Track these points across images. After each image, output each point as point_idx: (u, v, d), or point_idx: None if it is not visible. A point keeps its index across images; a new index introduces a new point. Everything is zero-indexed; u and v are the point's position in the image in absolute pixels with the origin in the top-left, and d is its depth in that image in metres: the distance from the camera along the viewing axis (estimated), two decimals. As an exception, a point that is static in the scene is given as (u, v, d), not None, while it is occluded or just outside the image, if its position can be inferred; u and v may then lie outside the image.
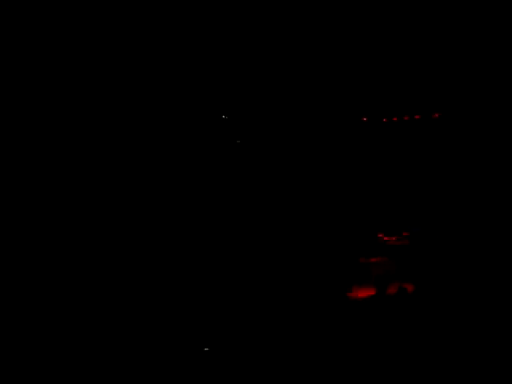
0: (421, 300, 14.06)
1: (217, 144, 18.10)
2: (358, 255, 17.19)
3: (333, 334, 11.85)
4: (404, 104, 17.97)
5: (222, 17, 15.45)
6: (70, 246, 15.19)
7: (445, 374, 9.94)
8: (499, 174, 16.62)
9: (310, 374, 10.23)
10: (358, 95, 17.71)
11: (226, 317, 13.45)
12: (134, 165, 16.62)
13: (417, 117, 18.27)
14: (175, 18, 15.33)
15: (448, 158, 18.00)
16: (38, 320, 13.03)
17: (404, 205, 18.19)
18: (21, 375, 10.64)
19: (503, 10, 15.19)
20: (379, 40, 16.35)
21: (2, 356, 11.21)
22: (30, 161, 15.18)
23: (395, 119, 18.38)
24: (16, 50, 14.73)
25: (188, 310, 13.82)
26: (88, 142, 15.93)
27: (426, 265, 16.10)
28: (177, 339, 12.05)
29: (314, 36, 16.23)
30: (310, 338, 11.63)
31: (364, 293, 15.56)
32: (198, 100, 17.17)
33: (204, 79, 16.64)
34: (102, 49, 15.42)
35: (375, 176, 18.66)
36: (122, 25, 15.16)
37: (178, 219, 16.90)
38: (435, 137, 18.17)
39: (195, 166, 17.69)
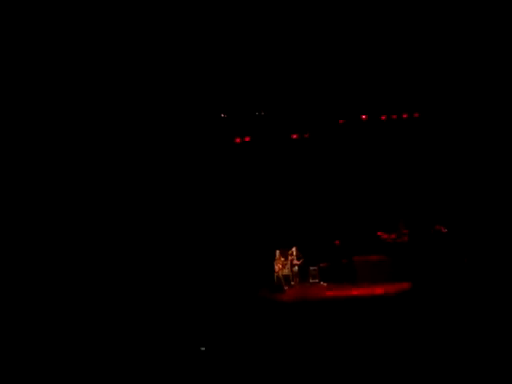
0: (418, 297, 14.09)
1: (215, 142, 18.11)
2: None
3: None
4: (402, 102, 17.98)
5: (222, 22, 15.47)
6: (70, 246, 15.22)
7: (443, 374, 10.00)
8: (499, 175, 16.62)
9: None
10: (357, 94, 17.72)
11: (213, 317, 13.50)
12: (133, 164, 16.63)
13: (416, 115, 18.28)
14: (175, 19, 15.33)
15: (447, 156, 18.00)
16: (38, 320, 13.05)
17: (403, 202, 18.20)
18: (21, 375, 10.69)
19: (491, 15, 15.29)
20: (378, 42, 16.37)
21: (2, 356, 11.27)
22: (29, 161, 15.20)
23: (394, 117, 18.39)
24: (17, 51, 14.76)
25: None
26: (87, 142, 15.96)
27: (424, 262, 16.11)
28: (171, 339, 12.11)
29: (315, 39, 16.24)
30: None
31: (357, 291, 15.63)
32: (198, 99, 17.17)
33: (204, 79, 16.64)
34: (102, 49, 15.43)
35: (375, 173, 18.66)
36: (123, 25, 15.17)
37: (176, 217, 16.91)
38: (434, 135, 18.17)
39: (194, 163, 17.70)
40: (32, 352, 11.81)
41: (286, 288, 16.68)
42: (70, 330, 12.71)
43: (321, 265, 17.37)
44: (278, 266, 16.76)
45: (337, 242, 17.61)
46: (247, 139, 18.42)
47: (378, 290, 15.32)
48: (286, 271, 16.93)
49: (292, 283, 17.04)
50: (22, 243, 14.58)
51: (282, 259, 16.94)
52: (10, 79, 14.88)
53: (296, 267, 17.19)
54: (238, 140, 18.35)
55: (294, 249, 17.19)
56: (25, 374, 10.99)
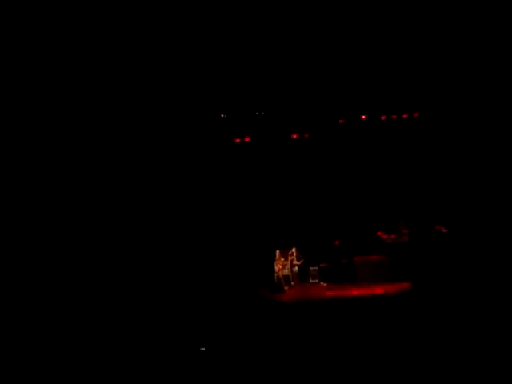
0: (418, 297, 14.08)
1: (215, 142, 18.11)
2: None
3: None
4: (402, 102, 17.98)
5: (221, 22, 15.46)
6: (70, 246, 15.21)
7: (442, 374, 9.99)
8: (499, 175, 16.62)
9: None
10: (357, 94, 17.72)
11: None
12: (134, 164, 16.63)
13: (416, 115, 18.28)
14: (175, 19, 15.33)
15: (447, 156, 18.00)
16: (38, 320, 13.04)
17: (403, 202, 18.20)
18: (21, 375, 10.68)
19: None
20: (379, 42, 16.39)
21: (2, 356, 11.25)
22: (30, 161, 15.20)
23: (394, 117, 18.39)
24: (17, 51, 14.75)
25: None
26: (88, 142, 15.96)
27: (424, 263, 16.10)
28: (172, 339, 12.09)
29: (314, 39, 16.24)
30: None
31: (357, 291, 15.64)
32: (198, 100, 17.17)
33: (204, 79, 16.64)
34: (102, 50, 15.43)
35: (374, 174, 18.66)
36: (122, 26, 15.17)
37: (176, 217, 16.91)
38: (434, 135, 18.17)
39: (194, 163, 17.70)
40: (32, 352, 11.80)
41: (285, 288, 16.69)
42: (69, 330, 12.70)
43: (321, 265, 17.37)
44: (277, 267, 16.77)
45: (336, 242, 17.61)
46: (247, 139, 18.43)
47: (378, 290, 15.32)
48: (286, 271, 16.93)
49: (292, 283, 17.04)
50: (22, 243, 14.57)
51: (282, 259, 16.95)
52: (10, 79, 14.88)
53: (296, 267, 17.20)
54: (237, 140, 18.36)
55: (293, 249, 17.20)
56: (25, 374, 10.98)
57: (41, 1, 14.56)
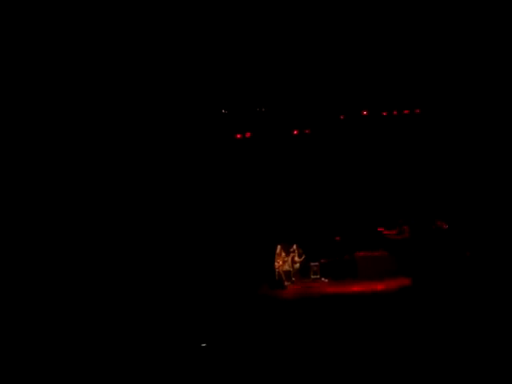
0: (420, 293, 14.09)
1: (216, 138, 18.12)
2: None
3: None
4: (403, 98, 17.98)
5: (221, 17, 15.46)
6: (70, 246, 15.21)
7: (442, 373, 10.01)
8: (499, 170, 16.63)
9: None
10: (358, 90, 17.71)
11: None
12: (135, 160, 16.63)
13: (417, 111, 18.28)
14: (177, 16, 15.32)
15: (448, 152, 18.01)
16: (38, 320, 13.02)
17: (404, 198, 18.21)
18: (21, 375, 10.68)
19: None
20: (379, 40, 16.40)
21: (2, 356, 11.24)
22: (30, 161, 15.19)
23: (395, 113, 18.40)
24: (17, 51, 14.74)
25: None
26: (89, 138, 15.95)
27: (425, 258, 16.12)
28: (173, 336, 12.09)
29: (315, 35, 16.24)
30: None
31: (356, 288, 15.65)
32: (199, 95, 17.17)
33: (205, 75, 16.64)
34: (104, 46, 15.42)
35: (376, 169, 18.67)
36: (123, 23, 15.15)
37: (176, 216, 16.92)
38: (435, 131, 18.18)
39: (195, 159, 17.71)
40: (32, 352, 11.79)
41: (286, 284, 16.68)
42: (70, 330, 12.69)
43: (322, 261, 17.38)
44: (278, 262, 16.76)
45: (338, 238, 17.61)
46: (248, 135, 18.43)
47: (380, 286, 15.33)
48: (287, 267, 16.93)
49: (293, 279, 17.04)
50: (23, 243, 14.56)
51: (283, 255, 16.93)
52: (10, 79, 14.87)
53: (297, 263, 17.20)
54: (239, 136, 18.36)
55: (294, 246, 17.19)
56: (25, 374, 10.97)
57: (41, 1, 14.56)
